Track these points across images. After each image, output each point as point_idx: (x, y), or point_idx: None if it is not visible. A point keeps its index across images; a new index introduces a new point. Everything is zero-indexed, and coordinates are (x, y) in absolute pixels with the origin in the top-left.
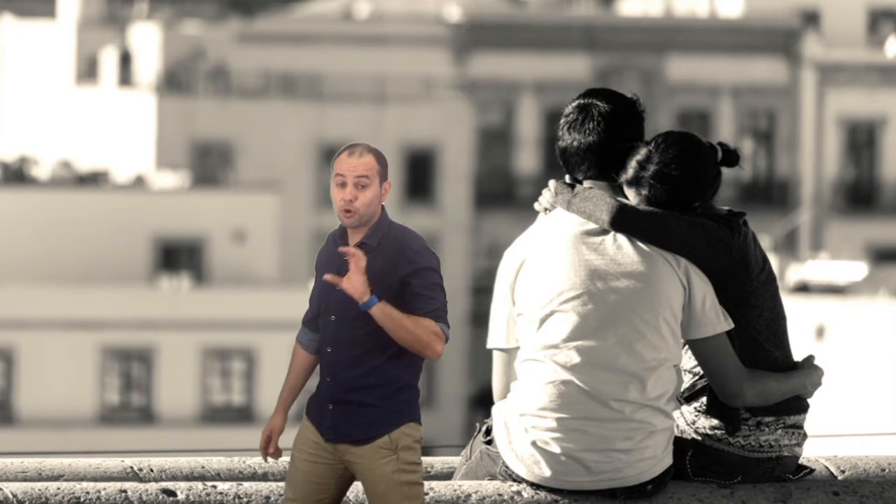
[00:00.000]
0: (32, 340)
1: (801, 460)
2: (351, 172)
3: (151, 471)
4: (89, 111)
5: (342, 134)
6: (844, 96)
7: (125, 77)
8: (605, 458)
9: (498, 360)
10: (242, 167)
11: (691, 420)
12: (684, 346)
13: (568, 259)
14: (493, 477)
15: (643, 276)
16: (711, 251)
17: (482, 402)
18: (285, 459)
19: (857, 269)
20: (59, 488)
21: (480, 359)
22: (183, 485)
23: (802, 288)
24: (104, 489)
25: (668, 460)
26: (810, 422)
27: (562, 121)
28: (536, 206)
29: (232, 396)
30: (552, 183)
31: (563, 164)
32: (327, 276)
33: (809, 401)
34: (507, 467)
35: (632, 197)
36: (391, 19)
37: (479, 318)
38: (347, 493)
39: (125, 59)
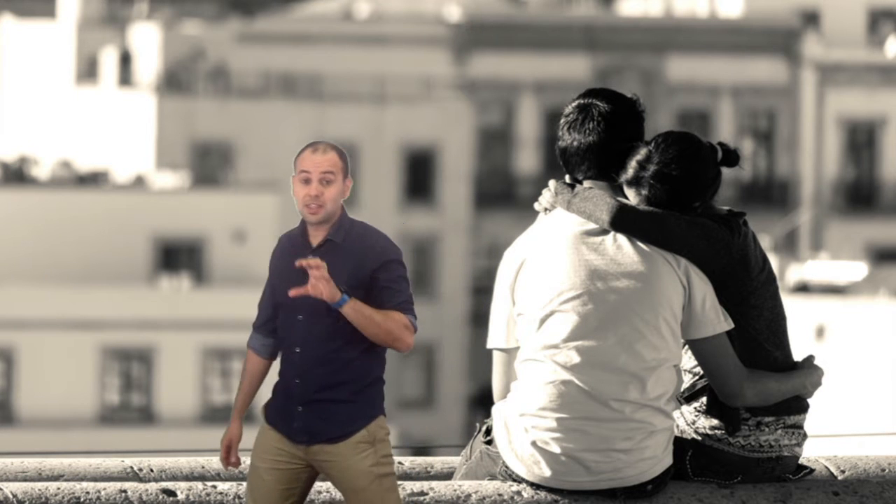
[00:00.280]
0: (32, 340)
1: (801, 460)
2: (316, 169)
3: (151, 471)
4: (89, 111)
5: (342, 134)
6: (844, 96)
7: (125, 77)
8: (605, 458)
9: (498, 360)
10: (242, 167)
11: (691, 420)
12: (684, 346)
13: (568, 259)
14: (493, 477)
15: (643, 276)
16: (711, 251)
17: (482, 402)
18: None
19: (857, 269)
20: (59, 488)
21: (480, 359)
22: (183, 485)
23: (802, 288)
24: (104, 489)
25: (668, 460)
26: (810, 422)
27: (562, 121)
28: (536, 206)
29: (232, 396)
30: (552, 183)
31: (563, 164)
32: (293, 292)
33: (809, 401)
34: (507, 467)
35: (632, 197)
36: (391, 19)
37: (479, 318)
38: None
39: (125, 59)
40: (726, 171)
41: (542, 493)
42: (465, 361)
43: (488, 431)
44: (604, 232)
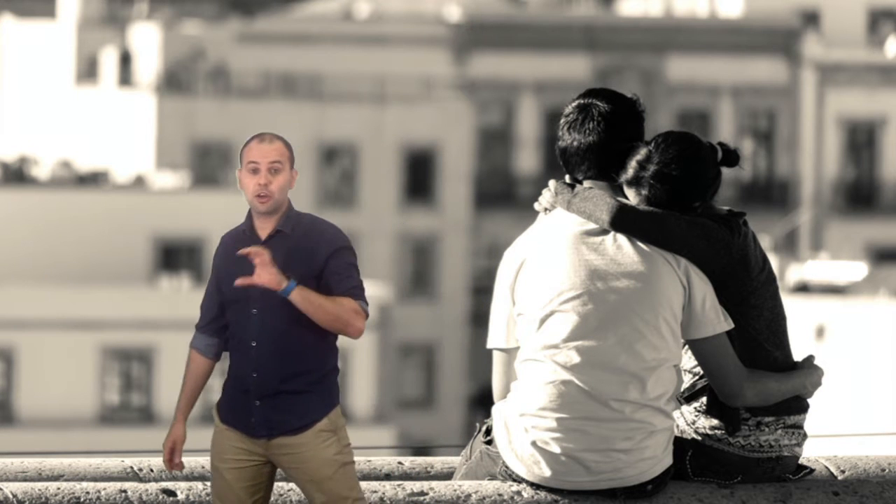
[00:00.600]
0: (32, 340)
1: (801, 460)
2: (264, 159)
3: (151, 471)
4: (89, 111)
5: (342, 134)
6: (844, 96)
7: (125, 77)
8: (605, 458)
9: (498, 360)
10: None
11: (691, 420)
12: (684, 346)
13: (568, 259)
14: (493, 477)
15: (643, 276)
16: (711, 251)
17: (482, 402)
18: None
19: (857, 269)
20: (59, 488)
21: (480, 359)
22: (183, 485)
23: (802, 288)
24: (104, 489)
25: (668, 460)
26: (810, 422)
27: (562, 121)
28: (536, 206)
29: None
30: (552, 183)
31: (563, 164)
32: (238, 282)
33: (809, 401)
34: (507, 467)
35: (632, 197)
36: (391, 19)
37: (479, 318)
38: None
39: (125, 59)
40: (726, 171)
41: (542, 493)
42: (465, 361)
43: (488, 431)
44: (604, 232)
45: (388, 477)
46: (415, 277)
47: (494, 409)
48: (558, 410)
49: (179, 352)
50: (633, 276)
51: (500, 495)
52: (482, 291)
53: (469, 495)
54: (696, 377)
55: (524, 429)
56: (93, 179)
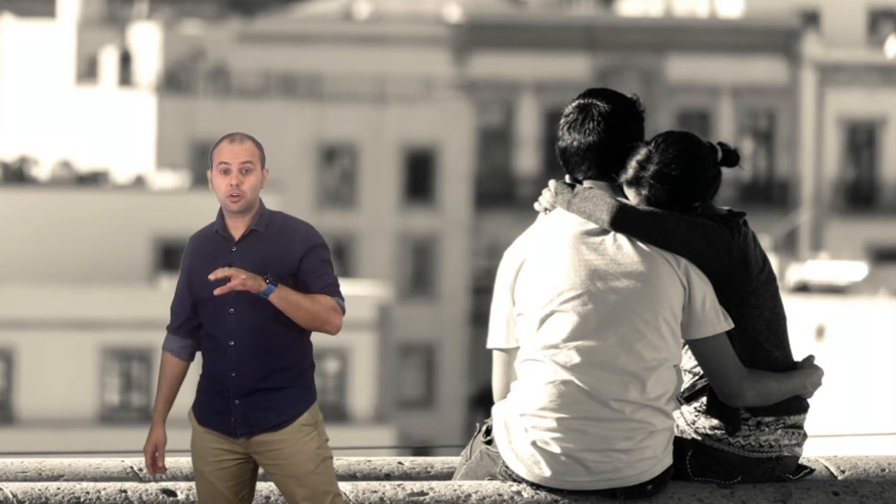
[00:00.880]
0: (32, 340)
1: (801, 460)
2: (235, 159)
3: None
4: (89, 111)
5: (342, 134)
6: (844, 96)
7: (125, 77)
8: (605, 458)
9: (498, 360)
10: None
11: (691, 420)
12: (684, 346)
13: (568, 259)
14: (493, 477)
15: (643, 276)
16: (711, 251)
17: (482, 402)
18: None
19: (857, 269)
20: (59, 488)
21: (480, 359)
22: (183, 485)
23: (802, 288)
24: (104, 489)
25: (668, 460)
26: (810, 422)
27: (562, 121)
28: (536, 206)
29: None
30: (552, 183)
31: (563, 164)
32: (217, 291)
33: (809, 401)
34: (507, 467)
35: (632, 197)
36: (391, 19)
37: (479, 318)
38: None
39: (125, 59)
40: (726, 171)
41: (542, 493)
42: (465, 361)
43: (488, 431)
44: (604, 232)
45: (388, 477)
46: (415, 277)
47: (494, 409)
48: (558, 410)
49: None
50: (633, 276)
51: (500, 495)
52: (482, 291)
53: (469, 495)
54: (696, 377)
55: (524, 429)
56: (93, 179)
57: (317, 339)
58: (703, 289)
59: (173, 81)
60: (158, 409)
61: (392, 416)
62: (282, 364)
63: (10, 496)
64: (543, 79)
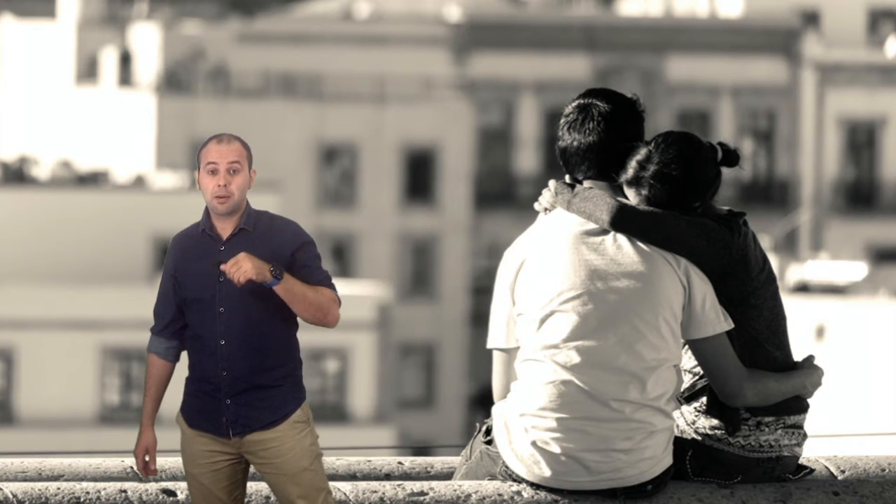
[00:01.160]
0: (32, 340)
1: (801, 460)
2: (223, 159)
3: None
4: (89, 111)
5: (342, 134)
6: (844, 96)
7: (125, 77)
8: (606, 458)
9: (498, 360)
10: None
11: (691, 420)
12: (684, 346)
13: (568, 259)
14: (493, 477)
15: (643, 276)
16: (711, 251)
17: (482, 402)
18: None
19: (857, 269)
20: (59, 488)
21: (480, 359)
22: (183, 485)
23: (802, 288)
24: (104, 489)
25: (668, 460)
26: (810, 422)
27: (562, 121)
28: (536, 206)
29: None
30: (552, 183)
31: (563, 164)
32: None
33: (809, 401)
34: (507, 467)
35: (632, 197)
36: (391, 19)
37: (479, 318)
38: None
39: (125, 59)
40: (726, 171)
41: (542, 493)
42: (465, 361)
43: (488, 431)
44: (604, 232)
45: (388, 477)
46: (415, 277)
47: (494, 409)
48: (558, 410)
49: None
50: (633, 276)
51: (500, 495)
52: (482, 291)
53: (469, 495)
54: (696, 377)
55: (524, 429)
56: (93, 179)
57: (317, 338)
58: (703, 289)
59: (173, 81)
60: (147, 412)
61: (392, 416)
62: (273, 362)
63: (10, 496)
64: (543, 79)
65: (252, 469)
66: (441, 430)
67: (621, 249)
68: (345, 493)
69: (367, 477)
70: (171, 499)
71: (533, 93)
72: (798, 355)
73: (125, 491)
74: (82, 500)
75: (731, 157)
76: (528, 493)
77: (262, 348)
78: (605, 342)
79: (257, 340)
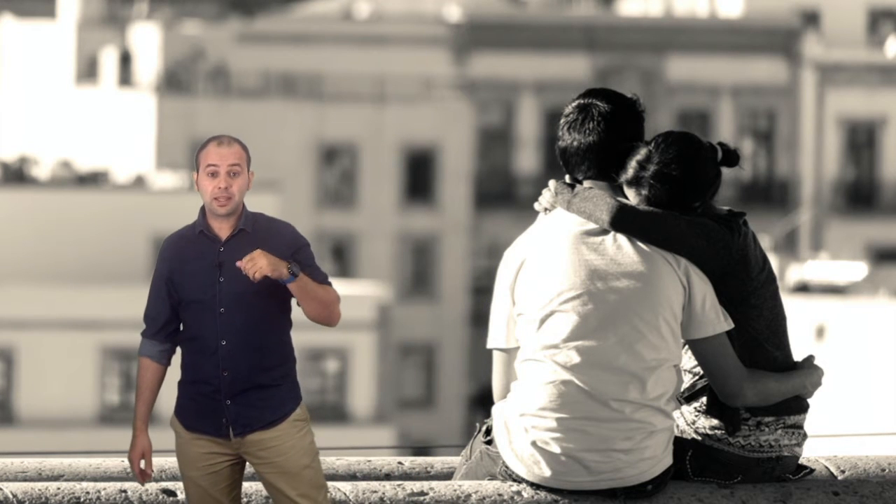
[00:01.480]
0: (32, 340)
1: (801, 460)
2: (223, 161)
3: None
4: (89, 111)
5: (342, 134)
6: (844, 96)
7: (125, 77)
8: (606, 458)
9: (498, 360)
10: None
11: (691, 420)
12: (684, 346)
13: (568, 259)
14: (493, 477)
15: (643, 276)
16: (711, 251)
17: (482, 402)
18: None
19: (857, 269)
20: (59, 488)
21: (480, 359)
22: (183, 485)
23: (802, 288)
24: (104, 489)
25: (668, 460)
26: (810, 422)
27: (562, 121)
28: (536, 206)
29: None
30: (552, 183)
31: (563, 164)
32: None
33: (809, 401)
34: (507, 467)
35: (632, 197)
36: (391, 19)
37: (479, 318)
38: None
39: (125, 59)
40: (726, 171)
41: (542, 493)
42: (465, 361)
43: (488, 431)
44: (604, 232)
45: (388, 477)
46: (415, 277)
47: (494, 409)
48: (558, 410)
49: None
50: (633, 276)
51: (500, 495)
52: (482, 291)
53: (469, 495)
54: (696, 377)
55: (524, 429)
56: (93, 179)
57: (317, 338)
58: (703, 289)
59: (173, 81)
60: (141, 417)
61: (392, 416)
62: (271, 361)
63: (10, 496)
64: (543, 79)
65: (249, 470)
66: (441, 430)
67: (621, 249)
68: (345, 493)
69: (367, 477)
70: (171, 499)
71: (533, 93)
72: (798, 355)
73: (125, 491)
74: (82, 500)
75: (731, 157)
76: (528, 493)
77: (262, 348)
78: (605, 342)
79: (257, 340)
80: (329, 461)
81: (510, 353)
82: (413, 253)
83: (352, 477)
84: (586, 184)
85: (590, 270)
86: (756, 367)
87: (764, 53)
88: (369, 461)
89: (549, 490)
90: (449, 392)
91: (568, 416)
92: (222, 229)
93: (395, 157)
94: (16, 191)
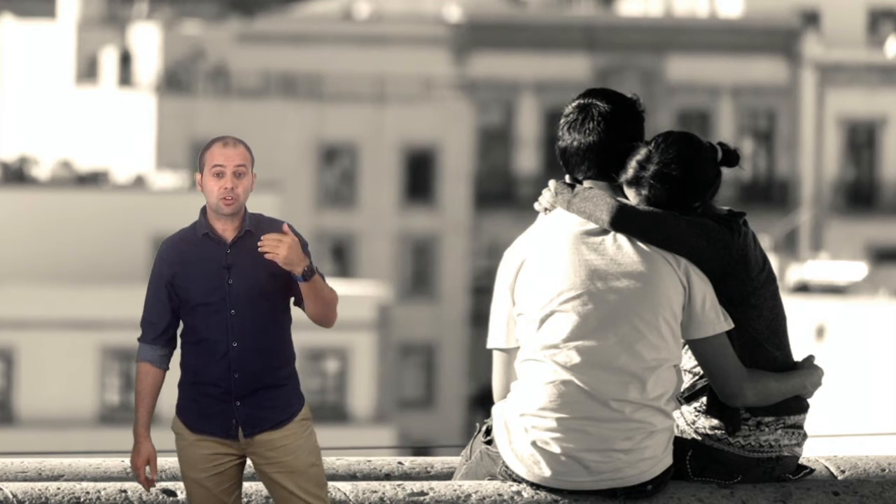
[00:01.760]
0: (32, 340)
1: (801, 460)
2: (230, 162)
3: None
4: (89, 111)
5: (342, 134)
6: (844, 96)
7: (125, 77)
8: (606, 458)
9: (498, 360)
10: None
11: (691, 420)
12: (684, 346)
13: (568, 259)
14: (493, 477)
15: (643, 276)
16: (711, 251)
17: (482, 402)
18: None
19: (857, 269)
20: (59, 488)
21: (480, 359)
22: (183, 485)
23: (802, 288)
24: (104, 489)
25: (668, 460)
26: (810, 422)
27: (562, 121)
28: (536, 206)
29: None
30: (552, 183)
31: (563, 164)
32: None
33: (809, 401)
34: (507, 467)
35: (632, 197)
36: (391, 19)
37: (479, 318)
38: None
39: (125, 59)
40: (726, 171)
41: (542, 493)
42: (465, 361)
43: (488, 431)
44: (604, 232)
45: (388, 477)
46: (415, 277)
47: (494, 409)
48: (558, 410)
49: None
50: (633, 276)
51: (500, 495)
52: (482, 291)
53: (469, 495)
54: (696, 377)
55: (524, 429)
56: (93, 179)
57: (317, 338)
58: (703, 289)
59: (173, 81)
60: (144, 423)
61: (392, 416)
62: (279, 362)
63: (10, 496)
64: (543, 79)
65: (248, 470)
66: (441, 430)
67: (621, 249)
68: (345, 493)
69: (367, 477)
70: (171, 499)
71: (533, 93)
72: (798, 355)
73: (125, 491)
74: (82, 500)
75: (731, 157)
76: (528, 493)
77: (270, 348)
78: (605, 342)
79: (266, 341)
80: (329, 461)
81: (510, 353)
82: (413, 253)
83: (352, 477)
84: (586, 184)
85: (590, 270)
86: (756, 367)
87: (764, 53)
88: (369, 461)
89: (549, 490)
90: (449, 392)
91: (568, 416)
92: (227, 231)
93: (395, 157)
94: (16, 191)
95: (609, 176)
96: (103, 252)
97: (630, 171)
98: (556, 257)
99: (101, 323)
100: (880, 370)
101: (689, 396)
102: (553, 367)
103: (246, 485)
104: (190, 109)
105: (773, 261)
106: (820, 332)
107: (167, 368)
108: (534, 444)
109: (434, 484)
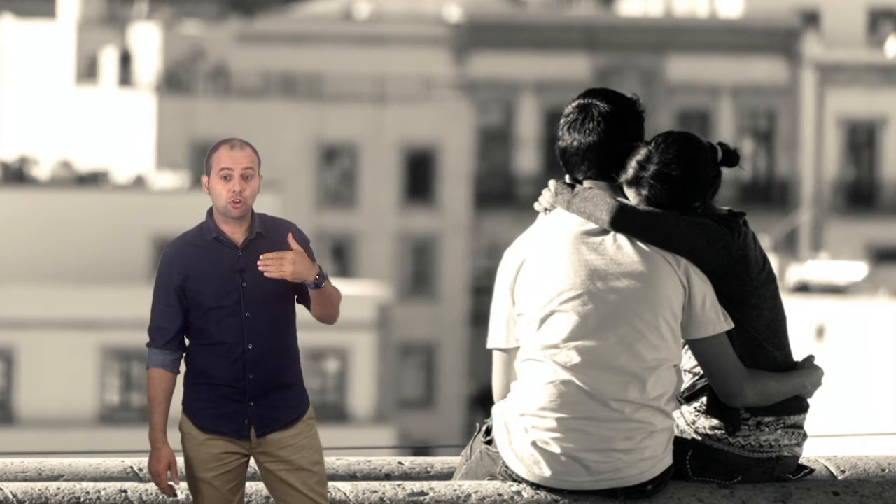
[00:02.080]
0: (32, 340)
1: (801, 460)
2: (237, 165)
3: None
4: (89, 111)
5: (342, 134)
6: (844, 96)
7: (125, 77)
8: (606, 458)
9: (498, 360)
10: None
11: (691, 420)
12: (684, 346)
13: (568, 259)
14: (493, 477)
15: (643, 276)
16: (711, 251)
17: (482, 402)
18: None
19: (857, 269)
20: (59, 488)
21: (480, 359)
22: (183, 485)
23: (802, 288)
24: (104, 489)
25: (668, 460)
26: (810, 422)
27: (562, 121)
28: (536, 206)
29: None
30: (552, 183)
31: (563, 164)
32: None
33: (809, 401)
34: (507, 467)
35: (632, 197)
36: (391, 19)
37: (479, 318)
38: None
39: (125, 59)
40: (726, 171)
41: (542, 493)
42: (465, 361)
43: (488, 431)
44: (604, 232)
45: (388, 477)
46: (415, 277)
47: (494, 409)
48: (558, 410)
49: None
50: (633, 276)
51: (500, 495)
52: (482, 291)
53: (469, 495)
54: (696, 377)
55: (524, 429)
56: (93, 179)
57: (317, 338)
58: (703, 289)
59: (173, 81)
60: (161, 428)
61: (392, 416)
62: (288, 361)
63: (10, 496)
64: (543, 79)
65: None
66: (441, 430)
67: (621, 249)
68: (345, 493)
69: (367, 477)
70: (171, 499)
71: (533, 93)
72: (798, 355)
73: (125, 491)
74: (82, 500)
75: (731, 157)
76: (528, 493)
77: (282, 349)
78: (605, 342)
79: (278, 342)
80: (329, 461)
81: (510, 353)
82: (413, 253)
83: (352, 477)
84: (586, 184)
85: (590, 270)
86: (756, 367)
87: (764, 53)
88: (369, 461)
89: (549, 490)
90: (449, 392)
91: (568, 416)
92: (236, 233)
93: (395, 157)
94: (16, 191)
95: (609, 176)
96: (103, 252)
97: (630, 171)
98: (556, 257)
99: (101, 323)
100: (880, 370)
101: (689, 396)
102: (553, 367)
103: (246, 484)
104: (190, 109)
105: (773, 261)
106: (820, 332)
107: (178, 372)
108: (534, 444)
109: (434, 484)
